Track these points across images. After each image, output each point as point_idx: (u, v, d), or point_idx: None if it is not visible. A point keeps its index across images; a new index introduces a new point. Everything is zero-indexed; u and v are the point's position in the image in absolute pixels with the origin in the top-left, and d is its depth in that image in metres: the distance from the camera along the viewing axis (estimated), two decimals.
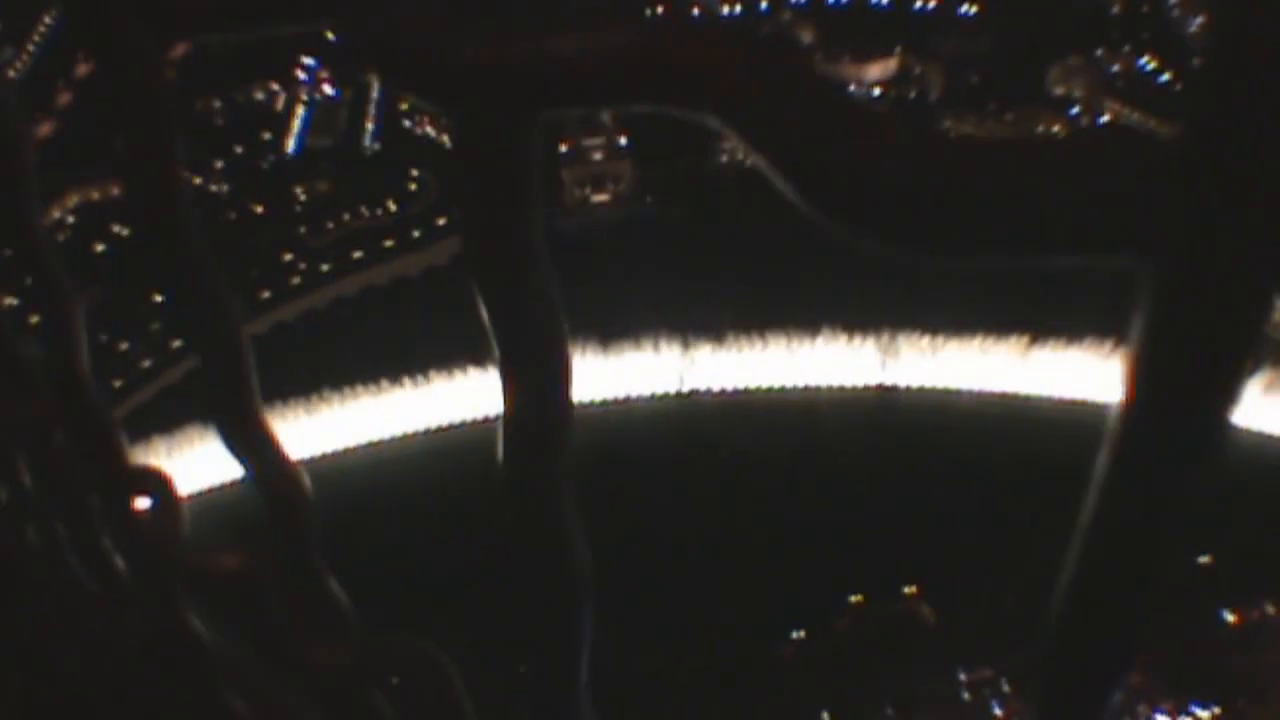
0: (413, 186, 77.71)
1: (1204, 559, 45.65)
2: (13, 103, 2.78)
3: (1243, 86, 0.77)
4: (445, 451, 62.16)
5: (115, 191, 63.51)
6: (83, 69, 75.65)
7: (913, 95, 79.79)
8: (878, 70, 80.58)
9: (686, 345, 66.79)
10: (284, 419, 59.91)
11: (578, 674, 1.86)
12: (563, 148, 74.69)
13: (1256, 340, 0.90)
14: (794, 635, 50.07)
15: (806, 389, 65.90)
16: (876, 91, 79.17)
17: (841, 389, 65.81)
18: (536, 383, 1.50)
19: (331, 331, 69.24)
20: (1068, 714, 1.28)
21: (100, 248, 69.94)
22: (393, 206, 76.86)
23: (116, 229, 69.60)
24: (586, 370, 60.16)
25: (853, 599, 50.86)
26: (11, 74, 61.58)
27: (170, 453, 56.15)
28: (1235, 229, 0.83)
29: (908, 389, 65.45)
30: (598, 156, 76.04)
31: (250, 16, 1.60)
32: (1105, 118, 75.84)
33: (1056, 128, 73.70)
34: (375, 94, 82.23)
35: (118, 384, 62.49)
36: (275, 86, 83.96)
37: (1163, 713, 43.09)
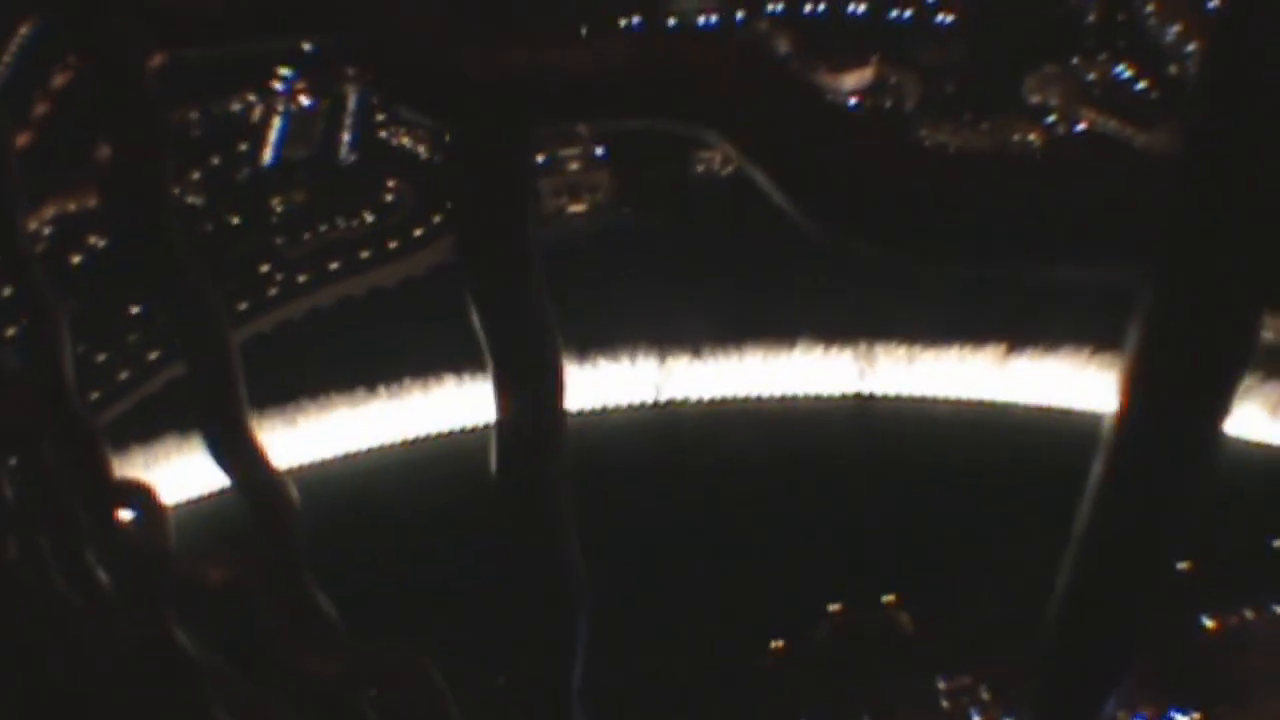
0: (389, 197, 77.59)
1: (1183, 565, 45.71)
2: None
3: (1237, 95, 0.78)
4: (422, 462, 62.10)
5: (92, 203, 63.25)
6: (59, 80, 75.07)
7: (889, 104, 79.91)
8: (854, 79, 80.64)
9: (664, 355, 66.75)
10: (261, 430, 59.38)
11: (572, 675, 1.87)
12: (539, 157, 74.46)
13: (1251, 347, 0.90)
14: (773, 644, 50.03)
15: (784, 398, 65.93)
16: (853, 101, 79.15)
17: (819, 398, 65.82)
18: (531, 387, 1.51)
19: (308, 342, 68.97)
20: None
21: (77, 259, 69.70)
22: (369, 217, 76.70)
23: (93, 240, 69.30)
24: None
25: (832, 608, 50.85)
26: None
27: (148, 465, 55.81)
28: (1229, 237, 0.83)
29: (886, 398, 65.47)
30: (574, 166, 75.98)
31: (250, 29, 1.61)
32: (1081, 126, 75.98)
33: (1032, 136, 73.99)
34: (352, 105, 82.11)
35: (95, 396, 62.08)
36: (252, 97, 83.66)
37: (1142, 719, 43.12)
